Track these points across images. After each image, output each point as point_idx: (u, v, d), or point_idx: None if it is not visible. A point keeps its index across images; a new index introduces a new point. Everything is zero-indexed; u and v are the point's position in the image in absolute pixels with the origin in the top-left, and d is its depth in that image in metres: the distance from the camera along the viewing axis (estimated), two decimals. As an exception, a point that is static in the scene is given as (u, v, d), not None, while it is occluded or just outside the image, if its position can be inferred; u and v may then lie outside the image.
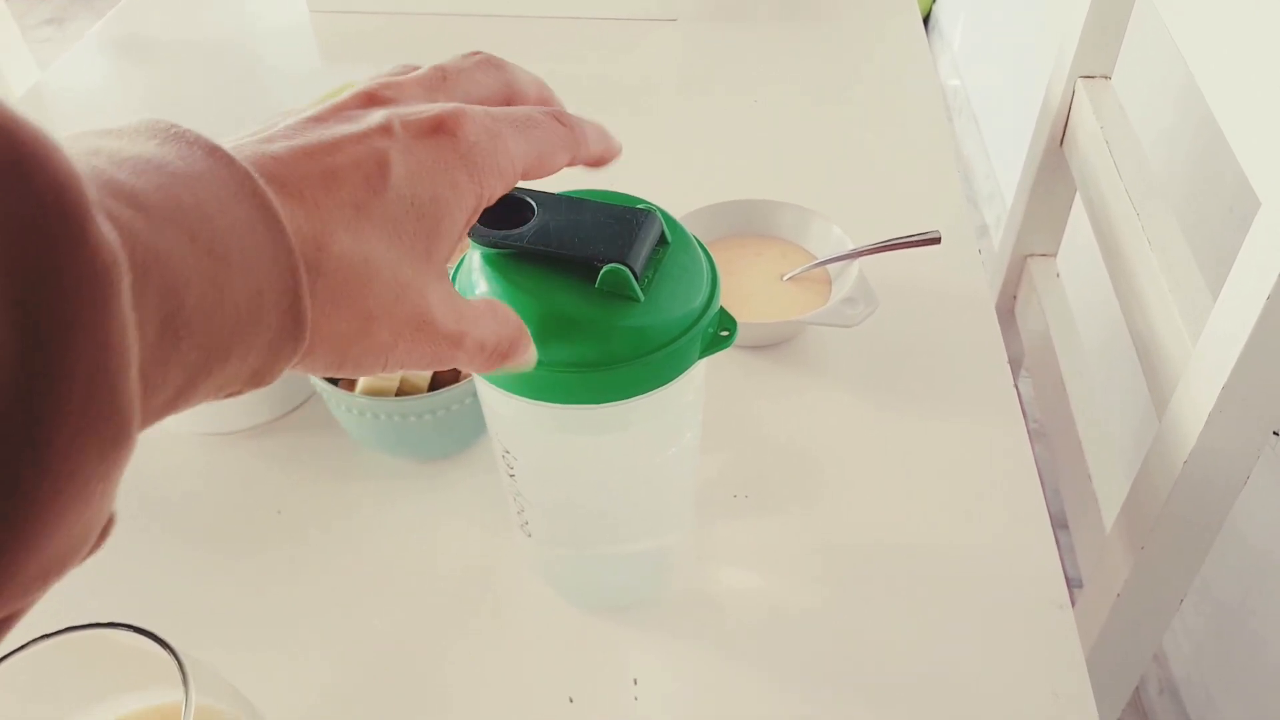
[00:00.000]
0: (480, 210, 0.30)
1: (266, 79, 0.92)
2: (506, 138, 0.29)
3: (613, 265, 0.36)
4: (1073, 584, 0.83)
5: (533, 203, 0.37)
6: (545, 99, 0.35)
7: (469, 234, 0.37)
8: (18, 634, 0.33)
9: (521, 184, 0.36)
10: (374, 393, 0.51)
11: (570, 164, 0.33)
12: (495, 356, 0.31)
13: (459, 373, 0.52)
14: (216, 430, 0.58)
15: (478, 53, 0.33)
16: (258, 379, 0.23)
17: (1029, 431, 1.04)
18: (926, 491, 0.55)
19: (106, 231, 0.17)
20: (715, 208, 0.66)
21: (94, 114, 0.87)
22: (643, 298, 0.36)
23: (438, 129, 0.28)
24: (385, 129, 0.27)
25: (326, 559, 0.52)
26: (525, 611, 0.50)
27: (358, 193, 0.25)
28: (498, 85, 0.33)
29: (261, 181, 0.22)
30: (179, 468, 0.56)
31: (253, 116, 0.81)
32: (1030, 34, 1.66)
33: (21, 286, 0.15)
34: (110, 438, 0.17)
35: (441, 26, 0.95)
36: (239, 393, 0.23)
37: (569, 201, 0.38)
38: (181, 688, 0.32)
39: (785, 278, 0.64)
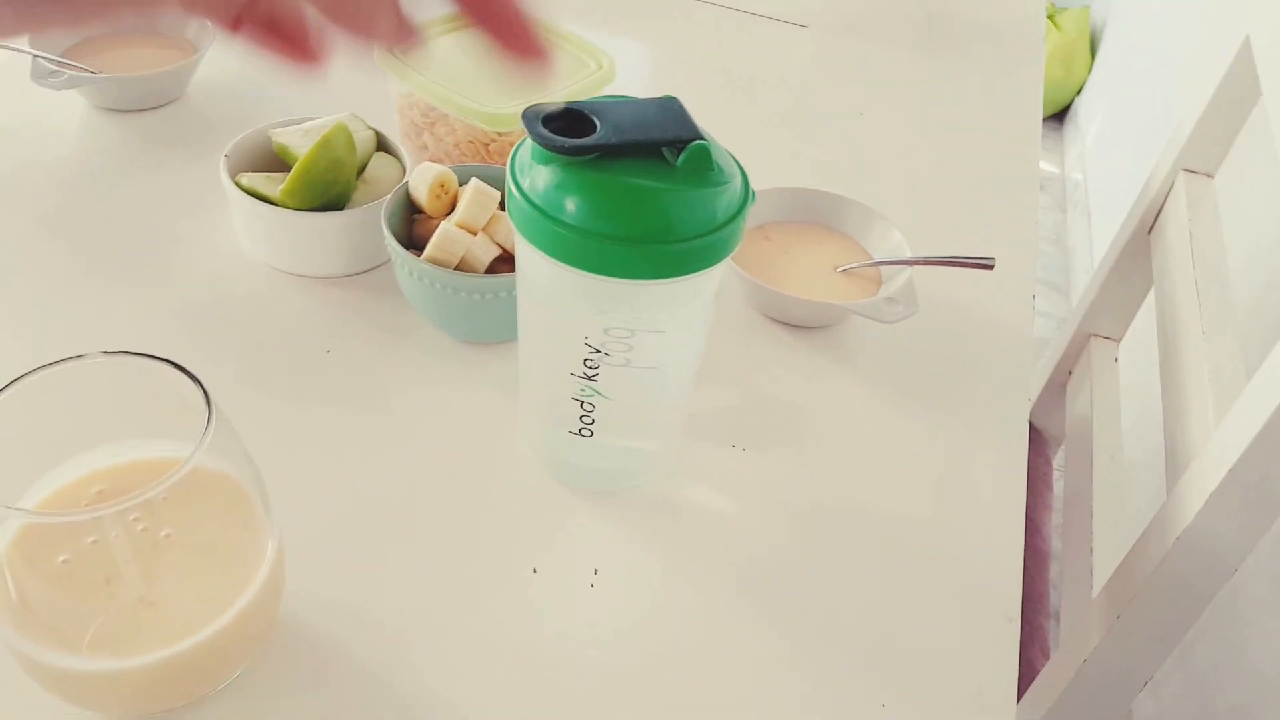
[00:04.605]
0: None
1: None
2: None
3: (697, 142, 0.40)
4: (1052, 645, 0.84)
5: (586, 112, 0.41)
6: None
7: (547, 147, 0.40)
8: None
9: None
10: (437, 263, 0.56)
11: None
12: None
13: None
14: (293, 270, 0.63)
15: None
16: None
17: (1054, 499, 1.03)
18: (915, 483, 0.57)
19: None
20: (789, 191, 0.69)
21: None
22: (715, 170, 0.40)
23: None
24: None
25: (357, 398, 0.57)
26: (512, 485, 0.54)
27: None
28: None
29: None
30: (249, 294, 0.62)
31: None
32: (1155, 134, 1.65)
33: None
34: None
35: None
36: None
37: (611, 105, 0.42)
38: (199, 436, 0.36)
39: (839, 269, 0.67)
